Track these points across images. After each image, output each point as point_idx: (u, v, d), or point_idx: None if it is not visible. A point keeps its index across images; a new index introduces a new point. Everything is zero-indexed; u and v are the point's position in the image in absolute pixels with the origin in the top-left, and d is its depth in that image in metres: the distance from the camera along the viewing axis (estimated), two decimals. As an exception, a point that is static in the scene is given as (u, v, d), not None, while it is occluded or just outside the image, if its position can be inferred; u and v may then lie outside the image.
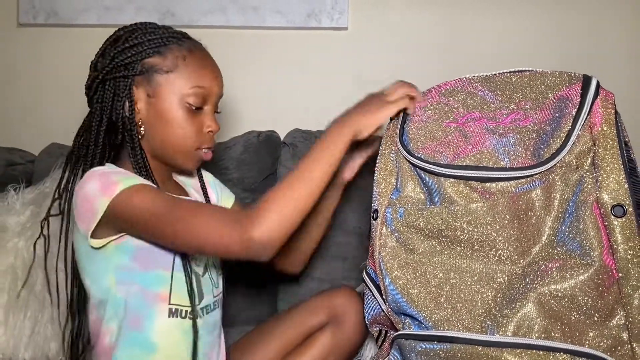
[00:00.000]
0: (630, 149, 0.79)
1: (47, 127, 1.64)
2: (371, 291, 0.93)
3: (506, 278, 0.77)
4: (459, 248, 0.81)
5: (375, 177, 0.92)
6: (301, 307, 1.09)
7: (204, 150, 0.97)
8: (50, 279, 1.03)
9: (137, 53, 0.92)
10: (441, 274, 0.81)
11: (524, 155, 0.80)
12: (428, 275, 0.81)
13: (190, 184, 1.08)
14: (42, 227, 0.99)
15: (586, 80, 0.81)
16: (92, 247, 0.87)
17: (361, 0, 1.59)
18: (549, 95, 0.83)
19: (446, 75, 1.55)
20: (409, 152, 0.88)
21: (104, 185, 0.84)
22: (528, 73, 0.87)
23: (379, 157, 0.93)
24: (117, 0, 1.61)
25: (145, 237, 0.87)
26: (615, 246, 0.73)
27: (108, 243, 0.87)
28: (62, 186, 0.96)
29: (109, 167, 0.92)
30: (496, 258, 0.79)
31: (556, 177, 0.78)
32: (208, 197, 1.06)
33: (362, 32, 1.60)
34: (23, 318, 1.11)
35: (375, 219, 0.89)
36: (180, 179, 1.07)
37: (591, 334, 0.73)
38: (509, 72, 0.90)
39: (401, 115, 0.94)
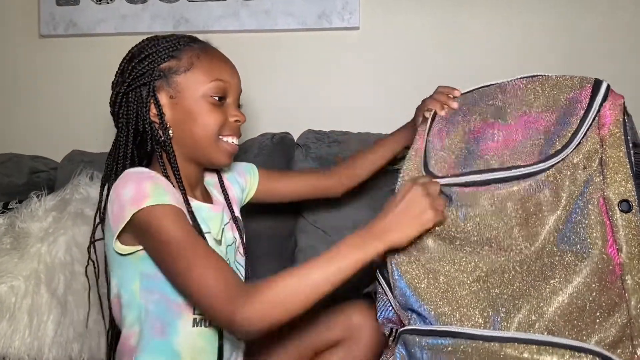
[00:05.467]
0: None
1: (70, 134, 1.69)
2: (383, 289, 0.94)
3: (512, 275, 0.78)
4: (468, 248, 0.82)
5: (399, 179, 0.94)
6: (316, 320, 1.07)
7: (228, 139, 0.97)
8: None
9: (152, 61, 0.94)
10: (449, 270, 0.82)
11: (531, 155, 0.82)
12: (436, 271, 0.82)
13: (212, 184, 1.08)
14: (89, 252, 1.00)
15: (597, 84, 0.82)
16: (117, 252, 0.88)
17: (372, 0, 1.59)
18: (561, 98, 0.84)
19: (457, 73, 1.55)
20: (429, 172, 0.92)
21: (136, 193, 0.85)
22: (541, 78, 0.88)
23: (405, 161, 0.96)
24: (133, 8, 1.65)
25: (152, 257, 0.87)
26: (619, 242, 0.74)
27: (135, 252, 0.88)
28: (103, 208, 0.96)
29: (144, 170, 0.91)
30: (503, 258, 0.79)
31: (564, 177, 0.78)
32: (227, 195, 1.07)
33: (373, 31, 1.60)
34: (46, 320, 1.15)
35: None
36: (205, 180, 1.07)
37: (594, 330, 0.73)
38: (523, 78, 0.91)
39: (428, 122, 0.98)
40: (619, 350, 0.72)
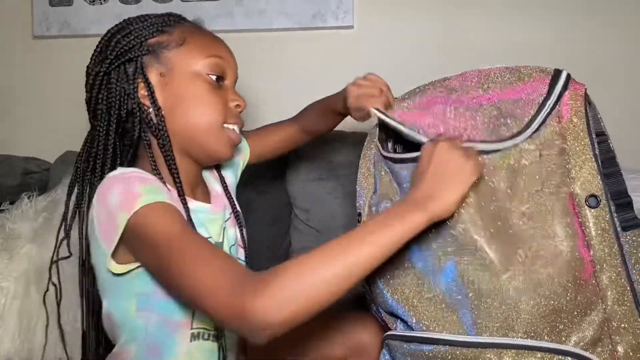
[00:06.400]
0: (608, 139, 0.76)
1: (64, 135, 1.68)
2: (368, 296, 0.93)
3: (480, 273, 0.75)
4: (434, 245, 0.79)
5: (358, 179, 0.91)
6: (320, 335, 0.98)
7: (230, 126, 0.86)
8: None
9: (139, 35, 0.82)
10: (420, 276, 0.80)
11: (483, 129, 0.78)
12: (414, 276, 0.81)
13: (210, 178, 0.98)
14: (50, 274, 0.87)
15: (556, 73, 0.79)
16: (113, 273, 0.76)
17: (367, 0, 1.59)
18: (519, 83, 0.81)
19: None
20: (382, 147, 0.89)
21: (125, 197, 0.72)
22: (503, 67, 0.86)
23: (361, 159, 0.93)
24: (127, 9, 1.64)
25: (148, 267, 0.75)
26: (589, 238, 0.72)
27: (131, 270, 0.77)
28: (70, 214, 0.86)
29: (129, 170, 0.79)
30: (475, 257, 0.76)
31: (520, 165, 0.75)
32: (226, 185, 0.97)
33: (368, 30, 1.60)
34: (36, 321, 1.14)
35: (359, 222, 0.88)
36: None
37: (572, 331, 0.71)
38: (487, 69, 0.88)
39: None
40: (599, 349, 0.71)
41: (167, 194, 0.75)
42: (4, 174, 1.49)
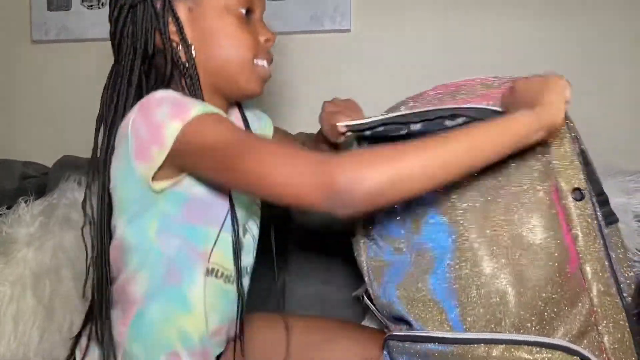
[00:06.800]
0: (580, 141, 0.79)
1: (62, 139, 1.69)
2: (372, 312, 0.93)
3: (467, 270, 0.76)
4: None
5: None
6: (333, 349, 0.96)
7: (261, 62, 0.85)
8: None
9: None
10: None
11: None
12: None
13: (233, 118, 0.95)
14: (84, 211, 0.83)
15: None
16: (153, 190, 0.74)
17: (364, 3, 1.58)
18: (494, 91, 0.82)
19: (449, 76, 1.52)
20: None
21: (176, 107, 0.71)
22: (480, 78, 0.86)
23: None
24: (124, 13, 1.65)
25: (208, 175, 0.73)
26: (575, 231, 0.73)
27: (164, 190, 0.75)
28: (94, 156, 0.82)
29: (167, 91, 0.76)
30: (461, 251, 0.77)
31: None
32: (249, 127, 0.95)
33: (365, 33, 1.59)
34: (32, 326, 1.14)
35: (354, 236, 0.90)
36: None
37: (559, 323, 0.72)
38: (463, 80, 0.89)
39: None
40: (585, 341, 0.72)
41: (216, 109, 0.73)
42: (2, 178, 1.50)
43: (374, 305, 0.89)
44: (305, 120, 1.59)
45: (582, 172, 0.74)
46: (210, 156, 0.69)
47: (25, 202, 1.29)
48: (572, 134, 0.77)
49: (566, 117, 0.77)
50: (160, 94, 0.74)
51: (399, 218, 0.84)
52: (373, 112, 1.54)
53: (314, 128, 1.52)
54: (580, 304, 0.73)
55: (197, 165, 0.72)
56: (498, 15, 1.52)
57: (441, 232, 0.78)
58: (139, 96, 0.79)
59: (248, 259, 0.91)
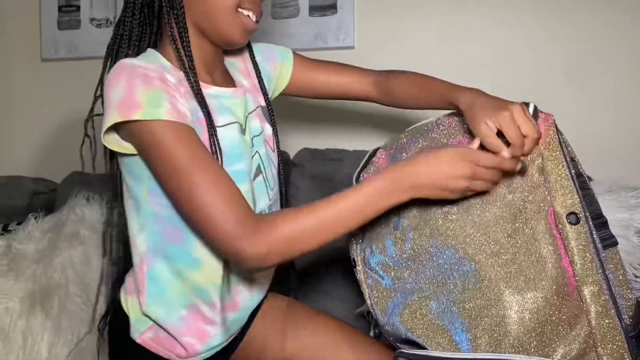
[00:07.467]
0: (578, 164, 0.80)
1: (71, 156, 1.71)
2: (381, 333, 0.94)
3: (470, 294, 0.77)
4: (435, 272, 0.81)
5: None
6: (334, 350, 0.97)
7: (245, 12, 0.86)
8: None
9: None
10: (427, 293, 0.81)
11: None
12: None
13: (237, 69, 0.99)
14: (85, 128, 0.93)
15: (524, 105, 0.80)
16: (129, 152, 0.80)
17: (367, 20, 1.60)
18: None
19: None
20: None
21: (125, 98, 0.74)
22: None
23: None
24: (133, 32, 1.68)
25: (151, 171, 0.79)
26: (571, 254, 0.74)
27: (134, 155, 0.80)
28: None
29: (142, 63, 0.78)
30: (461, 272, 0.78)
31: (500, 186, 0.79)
32: (261, 80, 0.99)
33: (369, 50, 1.62)
34: (40, 341, 1.16)
35: (355, 267, 0.91)
36: (228, 62, 0.97)
37: (559, 345, 0.73)
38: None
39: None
40: None
41: (169, 101, 0.76)
42: (12, 195, 1.52)
43: (379, 327, 0.90)
44: (310, 136, 1.62)
45: (577, 196, 0.76)
46: (153, 161, 0.76)
47: (35, 218, 1.31)
48: (569, 157, 0.78)
49: (562, 142, 0.79)
50: (120, 69, 0.77)
51: (398, 246, 0.85)
52: (371, 127, 1.57)
53: (318, 144, 1.55)
54: (579, 326, 0.74)
55: (140, 154, 0.79)
56: (501, 30, 1.54)
57: (443, 257, 0.80)
58: (142, 31, 0.86)
59: (262, 203, 0.92)
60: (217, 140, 0.81)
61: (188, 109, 0.79)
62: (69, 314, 1.19)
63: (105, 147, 0.83)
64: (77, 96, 1.73)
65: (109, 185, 0.92)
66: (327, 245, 0.76)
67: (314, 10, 1.60)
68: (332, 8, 1.59)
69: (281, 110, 1.64)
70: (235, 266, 0.82)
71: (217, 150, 0.81)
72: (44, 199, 1.52)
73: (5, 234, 1.31)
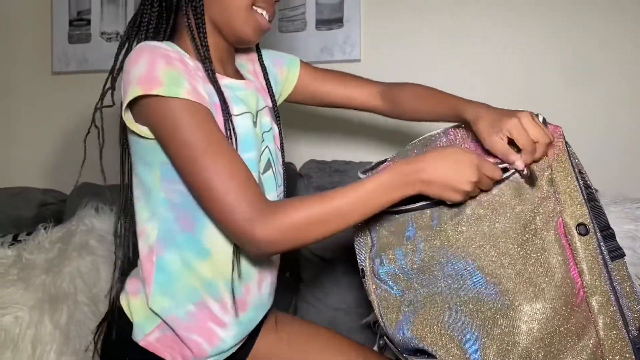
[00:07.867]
0: (585, 176, 0.81)
1: (80, 167, 1.73)
2: (387, 344, 0.94)
3: (479, 306, 0.78)
4: (443, 284, 0.82)
5: (354, 238, 0.94)
6: None
7: (260, 10, 0.89)
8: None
9: None
10: (434, 305, 0.82)
11: None
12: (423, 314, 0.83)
13: (246, 69, 1.01)
14: (94, 119, 0.92)
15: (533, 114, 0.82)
16: (134, 132, 0.81)
17: (373, 34, 1.62)
18: None
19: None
20: None
21: (147, 74, 0.76)
22: None
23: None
24: (142, 45, 1.70)
25: (165, 152, 0.80)
26: (580, 265, 0.75)
27: (151, 139, 0.81)
28: (117, 68, 0.89)
29: (163, 45, 0.81)
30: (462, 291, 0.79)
31: (511, 198, 0.79)
32: (269, 81, 1.01)
33: (375, 63, 1.63)
34: (49, 350, 1.16)
35: (363, 277, 0.91)
36: (238, 64, 1.00)
37: (567, 356, 0.73)
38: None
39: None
40: None
41: (190, 82, 0.78)
42: (21, 206, 1.54)
43: (386, 339, 0.90)
44: (316, 148, 1.63)
45: (586, 207, 0.76)
46: (167, 140, 0.77)
47: (45, 228, 1.33)
48: (577, 170, 0.79)
49: (570, 153, 0.80)
50: (141, 49, 0.78)
51: (409, 257, 0.85)
52: (377, 139, 1.58)
53: (324, 157, 1.56)
54: (587, 337, 0.74)
55: (155, 135, 0.80)
56: (507, 40, 1.55)
57: (453, 268, 0.80)
58: (155, 30, 0.87)
59: (270, 197, 0.92)
60: (233, 125, 0.83)
61: (206, 92, 0.81)
62: (78, 323, 1.20)
63: (120, 133, 0.86)
64: (87, 109, 1.75)
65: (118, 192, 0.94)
66: (335, 234, 0.77)
67: (321, 23, 1.62)
68: (339, 22, 1.61)
69: (289, 121, 1.67)
70: (244, 251, 0.81)
71: (233, 135, 0.83)
72: (53, 209, 1.54)
73: (16, 244, 1.33)
